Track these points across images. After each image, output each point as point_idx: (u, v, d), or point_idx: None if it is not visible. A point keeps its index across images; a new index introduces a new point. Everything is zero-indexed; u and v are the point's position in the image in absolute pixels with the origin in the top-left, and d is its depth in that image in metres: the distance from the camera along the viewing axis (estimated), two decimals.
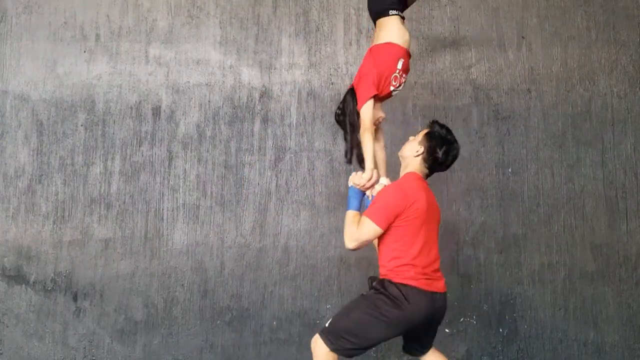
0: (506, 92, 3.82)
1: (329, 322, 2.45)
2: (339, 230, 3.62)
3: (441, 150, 2.49)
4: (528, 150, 3.78)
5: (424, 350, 2.61)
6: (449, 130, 2.53)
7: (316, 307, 3.59)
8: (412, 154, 2.54)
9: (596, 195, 3.78)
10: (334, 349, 2.39)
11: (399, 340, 2.62)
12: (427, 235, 2.44)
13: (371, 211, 2.43)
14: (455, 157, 2.54)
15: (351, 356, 2.44)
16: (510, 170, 3.76)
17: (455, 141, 2.53)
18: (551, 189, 3.76)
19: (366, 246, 2.49)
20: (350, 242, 2.45)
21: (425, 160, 2.52)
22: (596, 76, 3.87)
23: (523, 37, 3.87)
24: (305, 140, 3.70)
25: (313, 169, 3.69)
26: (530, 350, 3.64)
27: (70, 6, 3.68)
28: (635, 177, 3.82)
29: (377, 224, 2.39)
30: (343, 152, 3.66)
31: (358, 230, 2.43)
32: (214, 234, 3.60)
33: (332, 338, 2.39)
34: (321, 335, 2.43)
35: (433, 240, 2.49)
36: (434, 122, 2.57)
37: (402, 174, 2.59)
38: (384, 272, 2.47)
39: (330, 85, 3.75)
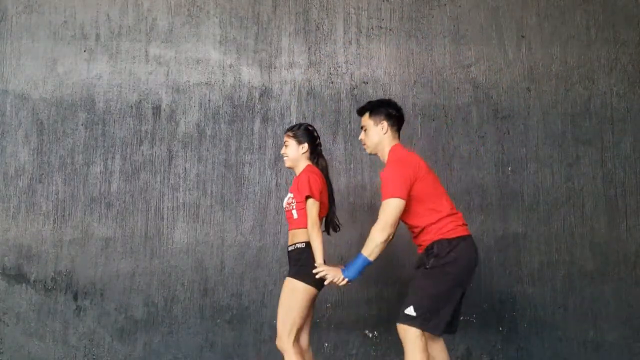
0: (506, 91, 3.82)
1: (409, 307, 2.45)
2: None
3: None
4: (528, 149, 3.78)
5: (454, 325, 2.65)
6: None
7: (315, 305, 3.59)
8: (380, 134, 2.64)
9: (596, 193, 3.78)
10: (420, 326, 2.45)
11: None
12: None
13: (386, 191, 2.44)
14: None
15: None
16: (509, 169, 3.76)
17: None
18: (551, 187, 3.76)
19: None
20: (381, 232, 2.42)
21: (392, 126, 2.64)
22: (596, 75, 3.87)
23: (523, 36, 3.87)
24: None
25: None
26: (529, 348, 3.65)
27: (71, 5, 3.68)
28: (635, 175, 3.82)
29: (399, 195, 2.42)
30: (342, 151, 3.72)
31: (382, 216, 2.43)
32: (214, 233, 3.60)
33: (419, 319, 2.43)
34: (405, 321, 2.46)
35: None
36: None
37: (386, 154, 2.63)
38: (430, 237, 2.52)
39: (330, 84, 3.76)
